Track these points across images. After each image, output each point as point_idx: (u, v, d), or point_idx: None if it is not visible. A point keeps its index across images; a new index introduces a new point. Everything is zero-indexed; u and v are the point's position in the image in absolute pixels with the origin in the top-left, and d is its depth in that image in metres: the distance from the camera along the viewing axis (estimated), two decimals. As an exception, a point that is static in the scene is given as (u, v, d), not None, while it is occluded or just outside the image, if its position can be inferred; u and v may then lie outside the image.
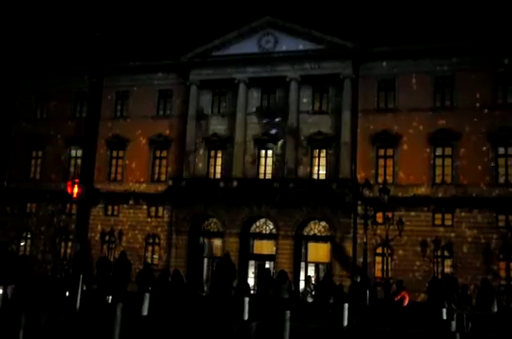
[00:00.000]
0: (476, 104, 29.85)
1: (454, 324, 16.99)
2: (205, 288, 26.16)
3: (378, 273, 29.39)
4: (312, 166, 32.98)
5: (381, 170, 31.47)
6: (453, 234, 29.08)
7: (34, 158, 38.45)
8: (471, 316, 17.63)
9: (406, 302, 19.16)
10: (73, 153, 36.59)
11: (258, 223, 33.21)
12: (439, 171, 30.44)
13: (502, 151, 29.69)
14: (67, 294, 10.13)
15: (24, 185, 37.24)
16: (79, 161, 33.72)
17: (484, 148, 29.43)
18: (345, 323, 16.71)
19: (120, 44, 31.14)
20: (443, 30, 30.52)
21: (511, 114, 29.17)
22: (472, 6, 32.37)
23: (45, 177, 37.08)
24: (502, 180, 29.42)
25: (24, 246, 36.46)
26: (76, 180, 10.49)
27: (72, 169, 36.11)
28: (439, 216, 29.82)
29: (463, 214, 29.13)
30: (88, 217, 10.07)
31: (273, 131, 33.07)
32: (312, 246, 32.64)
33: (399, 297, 19.51)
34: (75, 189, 10.12)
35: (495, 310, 17.75)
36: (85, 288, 15.42)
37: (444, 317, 16.67)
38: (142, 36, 35.95)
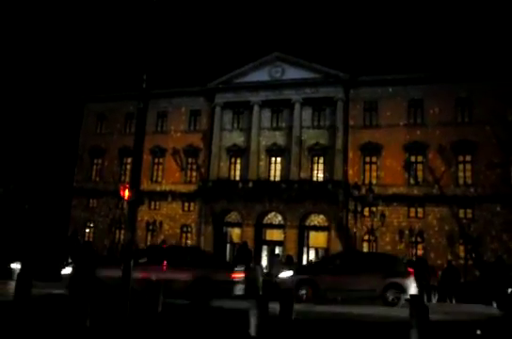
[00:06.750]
0: (442, 121, 29.84)
1: (425, 296, 17.06)
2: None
3: (365, 256, 29.35)
4: (312, 170, 32.90)
5: (367, 173, 31.31)
6: (423, 224, 29.06)
7: (95, 164, 38.84)
8: (437, 289, 17.75)
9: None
10: (124, 160, 36.97)
11: (269, 216, 33.23)
12: (412, 174, 30.38)
13: (461, 158, 29.58)
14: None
15: (88, 186, 37.76)
16: (129, 166, 34.14)
17: (448, 156, 29.35)
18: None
19: (161, 74, 31.50)
20: (414, 62, 30.49)
21: (469, 129, 29.05)
22: (440, 40, 32.47)
23: (103, 179, 37.55)
24: (461, 181, 29.30)
25: (89, 233, 36.94)
26: (127, 185, 10.64)
27: (123, 173, 36.54)
28: (413, 209, 29.69)
29: (431, 208, 29.05)
30: (136, 213, 10.21)
31: None
32: (312, 234, 32.56)
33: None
34: (126, 192, 10.27)
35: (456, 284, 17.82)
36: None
37: (417, 291, 16.73)
38: (177, 67, 36.41)
